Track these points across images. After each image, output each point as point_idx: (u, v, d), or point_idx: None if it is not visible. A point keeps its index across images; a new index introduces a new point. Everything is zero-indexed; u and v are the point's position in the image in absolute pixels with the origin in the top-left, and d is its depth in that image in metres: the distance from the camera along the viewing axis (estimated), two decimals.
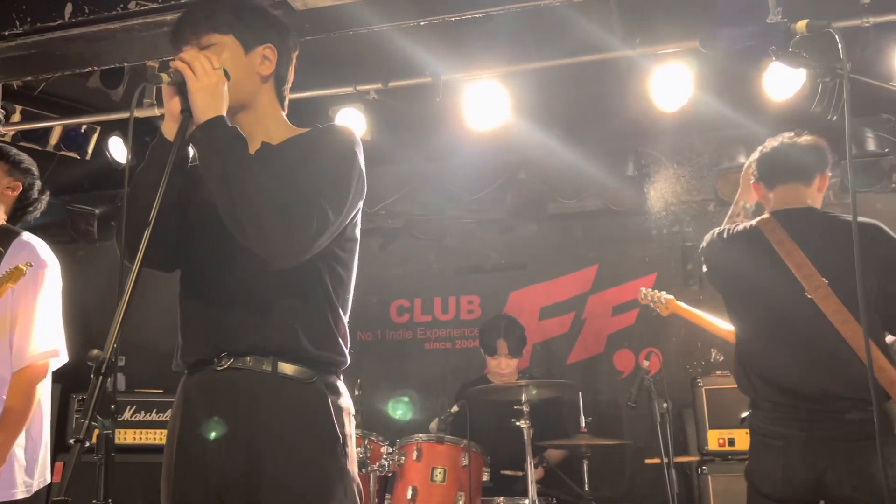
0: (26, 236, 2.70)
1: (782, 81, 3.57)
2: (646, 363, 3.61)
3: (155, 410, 4.82)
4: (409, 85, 3.74)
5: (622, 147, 4.66)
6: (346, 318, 1.87)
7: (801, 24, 1.79)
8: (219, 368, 1.76)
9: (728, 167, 4.43)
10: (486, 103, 3.91)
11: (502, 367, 4.31)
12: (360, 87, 3.79)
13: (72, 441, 1.33)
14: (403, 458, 3.52)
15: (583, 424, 3.81)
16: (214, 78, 1.71)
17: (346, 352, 1.85)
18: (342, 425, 1.78)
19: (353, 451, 1.81)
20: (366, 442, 3.50)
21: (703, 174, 4.67)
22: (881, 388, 2.34)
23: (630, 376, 4.74)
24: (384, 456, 3.52)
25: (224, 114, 1.71)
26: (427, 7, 2.74)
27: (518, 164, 4.74)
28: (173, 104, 1.72)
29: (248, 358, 1.75)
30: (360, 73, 3.84)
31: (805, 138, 2.74)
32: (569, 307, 5.05)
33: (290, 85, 1.99)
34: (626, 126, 4.50)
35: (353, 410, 1.87)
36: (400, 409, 4.76)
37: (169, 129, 1.74)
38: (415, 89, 3.81)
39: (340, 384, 1.84)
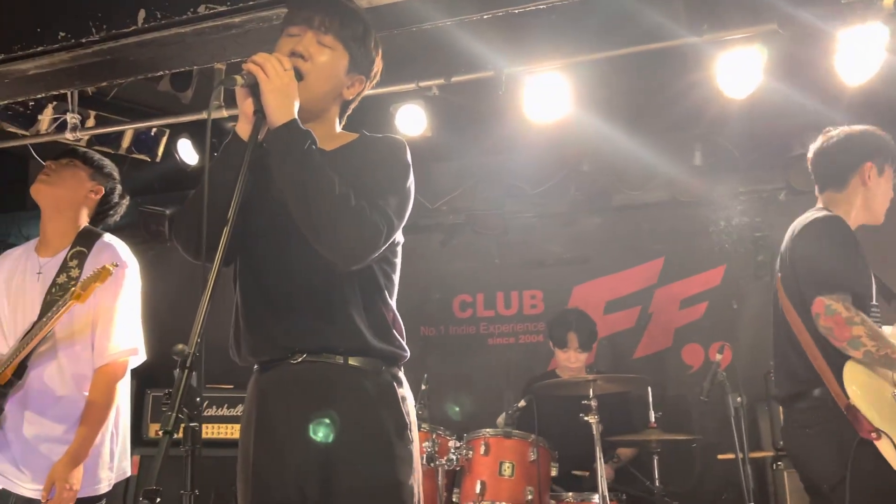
0: (107, 238, 2.79)
1: (856, 65, 3.44)
2: (718, 357, 3.53)
3: (226, 405, 4.93)
4: (471, 80, 3.73)
5: (688, 136, 4.56)
6: (397, 315, 1.93)
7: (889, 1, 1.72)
8: (293, 362, 1.80)
9: (800, 154, 4.29)
10: (547, 95, 3.87)
11: (572, 361, 4.27)
12: (422, 84, 3.80)
13: (160, 433, 1.37)
14: (471, 452, 3.51)
15: (652, 419, 3.75)
16: (286, 79, 1.72)
17: (405, 345, 1.91)
18: (408, 413, 1.85)
19: (417, 439, 1.87)
20: (433, 436, 3.51)
21: (773, 162, 4.54)
22: (817, 375, 2.50)
23: (699, 371, 4.65)
24: (452, 450, 3.52)
25: (296, 116, 1.73)
26: (489, 0, 2.73)
27: (581, 157, 4.68)
28: (247, 105, 1.75)
29: (322, 354, 1.80)
30: (422, 69, 3.84)
31: (835, 137, 2.72)
32: (635, 301, 4.98)
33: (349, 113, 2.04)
34: (692, 115, 4.41)
35: (413, 403, 1.93)
36: None
37: (243, 130, 1.77)
38: (476, 83, 3.80)
39: (403, 376, 1.91)
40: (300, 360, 1.80)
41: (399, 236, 1.92)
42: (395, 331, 1.88)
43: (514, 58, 3.71)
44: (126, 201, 3.04)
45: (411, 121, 4.15)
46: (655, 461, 3.69)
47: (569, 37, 3.72)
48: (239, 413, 4.90)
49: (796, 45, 3.61)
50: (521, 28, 3.75)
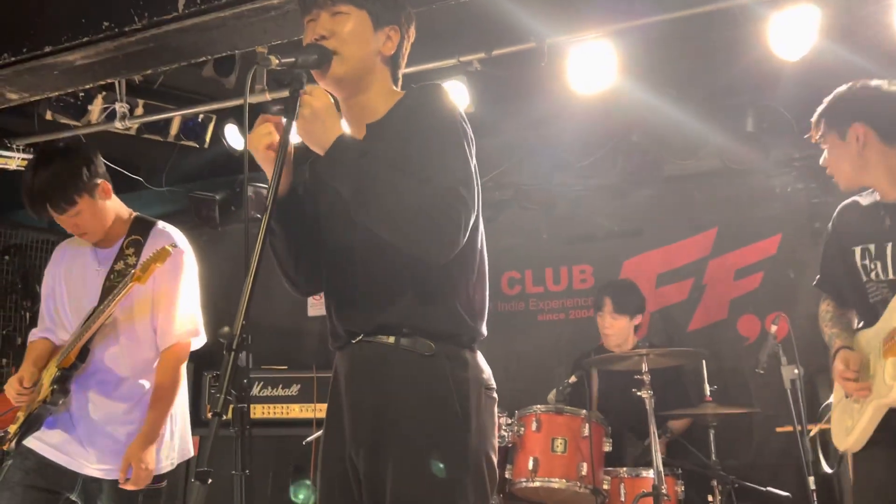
0: (161, 225, 2.83)
1: None
2: (773, 328, 3.44)
3: (281, 386, 5.01)
4: (512, 52, 3.67)
5: (740, 102, 4.41)
6: (478, 289, 1.87)
7: None
8: (353, 342, 1.84)
9: None
10: (592, 65, 3.79)
11: (606, 326, 4.21)
12: (462, 59, 3.76)
13: (209, 415, 1.38)
14: (523, 428, 3.50)
15: (707, 393, 3.68)
16: (321, 102, 1.70)
17: (474, 324, 1.85)
18: (464, 398, 1.77)
19: (480, 424, 1.78)
20: None
21: None
22: None
23: (756, 342, 4.54)
24: (503, 427, 3.52)
25: (341, 131, 1.71)
26: None
27: (629, 127, 4.58)
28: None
29: (378, 336, 1.81)
30: (462, 44, 3.80)
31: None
32: (687, 273, 4.86)
33: (402, 69, 1.99)
34: (744, 79, 4.27)
35: (487, 383, 1.86)
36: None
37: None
38: (518, 56, 3.74)
39: (470, 356, 1.83)
40: (357, 340, 1.84)
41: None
42: (461, 308, 1.81)
43: (556, 27, 3.64)
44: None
45: (453, 97, 4.10)
46: (711, 435, 3.63)
47: (613, 3, 3.63)
48: (293, 393, 4.99)
49: (853, 3, 3.47)
50: None
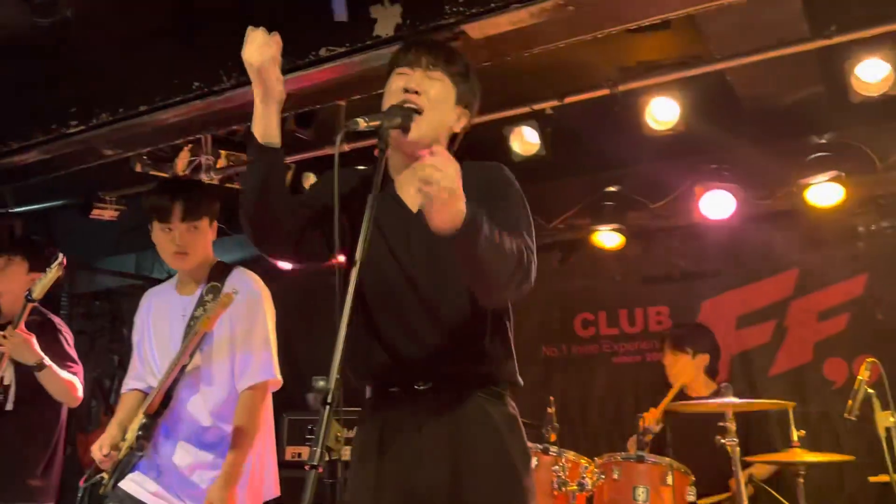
0: (238, 271, 2.89)
1: None
2: (866, 373, 3.32)
3: (356, 428, 5.04)
4: (585, 98, 3.70)
5: (819, 140, 4.33)
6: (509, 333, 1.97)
7: None
8: (418, 388, 1.87)
9: None
10: (665, 108, 3.81)
11: (668, 365, 4.19)
12: (535, 107, 3.81)
13: (306, 468, 1.43)
14: (603, 476, 3.44)
15: (795, 439, 3.56)
16: (452, 169, 1.61)
17: (514, 367, 1.96)
18: (523, 438, 1.92)
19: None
20: (562, 460, 3.46)
21: None
22: None
23: (844, 386, 4.37)
24: (582, 474, 3.46)
25: (463, 213, 1.63)
26: (600, 19, 2.71)
27: (703, 166, 4.54)
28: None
29: (449, 381, 1.86)
30: (535, 91, 3.85)
31: None
32: (769, 314, 4.74)
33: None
34: (822, 118, 4.20)
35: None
36: None
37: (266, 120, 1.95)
38: (591, 100, 3.77)
39: (510, 397, 1.95)
40: (426, 387, 1.86)
41: None
42: (513, 359, 1.95)
43: (627, 73, 3.66)
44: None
45: (525, 141, 4.16)
46: (801, 483, 3.49)
47: (685, 49, 3.64)
48: None
49: None
50: (632, 43, 3.70)
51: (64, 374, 3.36)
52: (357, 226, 1.74)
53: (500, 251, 1.70)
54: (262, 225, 1.93)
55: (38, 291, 3.16)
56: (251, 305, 2.74)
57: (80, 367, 3.52)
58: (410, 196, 1.96)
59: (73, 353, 3.57)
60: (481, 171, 1.95)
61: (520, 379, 1.96)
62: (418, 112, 1.87)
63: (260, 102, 1.94)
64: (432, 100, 1.90)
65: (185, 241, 2.78)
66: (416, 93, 1.89)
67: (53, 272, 3.14)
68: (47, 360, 3.27)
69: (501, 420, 1.87)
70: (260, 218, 1.92)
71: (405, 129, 1.87)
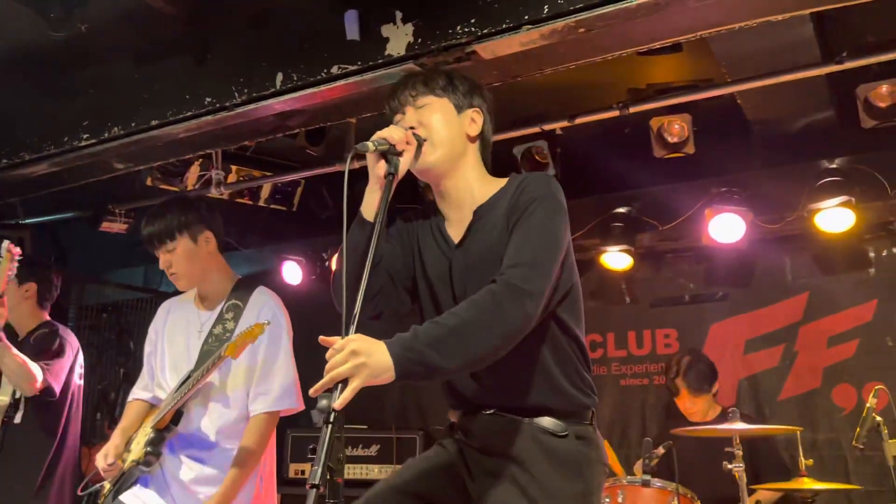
0: (260, 291, 2.85)
1: None
2: (874, 400, 3.29)
3: (361, 446, 5.03)
4: (595, 120, 3.70)
5: (829, 164, 4.31)
6: (585, 361, 1.94)
7: None
8: (486, 413, 1.90)
9: None
10: (674, 130, 3.81)
11: (689, 407, 4.20)
12: (546, 127, 3.81)
13: (307, 486, 1.42)
14: (608, 500, 3.41)
15: (802, 467, 3.51)
16: (343, 354, 1.60)
17: (590, 400, 1.93)
18: (591, 476, 1.85)
19: (597, 501, 1.85)
20: None
21: None
22: None
23: (853, 413, 4.33)
24: None
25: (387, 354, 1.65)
26: (611, 41, 2.71)
27: (713, 189, 4.52)
28: (379, 168, 1.85)
29: (510, 411, 1.88)
30: (546, 111, 3.86)
31: None
32: (778, 339, 4.69)
33: (490, 151, 2.07)
34: (825, 140, 4.20)
35: (604, 460, 1.93)
36: None
37: (371, 197, 1.88)
38: (601, 120, 3.77)
39: (593, 433, 1.91)
40: (490, 413, 1.89)
41: (569, 277, 1.90)
42: (576, 385, 1.89)
43: (638, 95, 3.66)
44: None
45: (535, 161, 4.16)
46: None
47: (696, 71, 3.64)
48: (372, 453, 5.00)
49: None
50: (643, 64, 3.70)
51: (26, 359, 3.36)
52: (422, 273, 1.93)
53: (465, 337, 1.65)
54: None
55: None
56: (274, 332, 2.72)
57: (53, 369, 3.51)
58: (451, 226, 1.99)
59: (60, 355, 3.59)
60: (519, 188, 1.92)
61: (587, 407, 1.90)
62: (422, 141, 1.90)
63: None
64: (431, 124, 1.93)
65: (169, 263, 2.79)
66: (413, 128, 1.92)
67: (5, 261, 3.19)
68: (4, 339, 3.27)
69: (560, 456, 1.82)
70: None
71: (417, 157, 1.90)
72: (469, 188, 1.97)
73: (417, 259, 2.01)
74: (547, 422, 1.84)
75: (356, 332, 1.60)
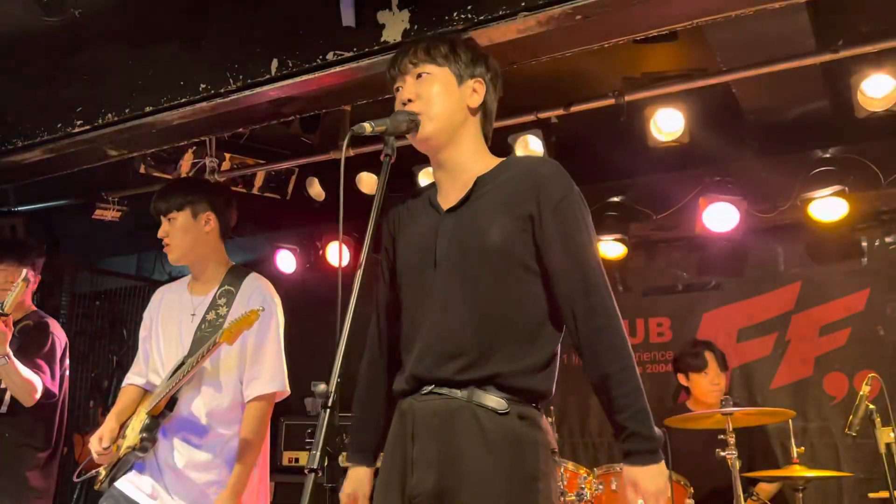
0: (252, 278, 2.88)
1: None
2: (866, 388, 3.31)
3: None
4: (591, 108, 3.70)
5: (822, 153, 4.33)
6: (554, 347, 1.90)
7: None
8: (422, 393, 1.85)
9: None
10: (670, 119, 3.81)
11: (715, 382, 4.15)
12: (541, 115, 3.81)
13: (306, 471, 1.42)
14: (601, 487, 3.43)
15: (794, 455, 3.54)
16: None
17: (549, 384, 1.88)
18: (536, 460, 1.79)
19: (549, 487, 1.79)
20: (561, 470, 3.44)
21: None
22: None
23: (844, 401, 4.36)
24: (581, 485, 3.45)
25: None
26: (608, 28, 2.71)
27: (707, 178, 4.54)
28: None
29: (445, 389, 1.82)
30: (541, 99, 3.86)
31: None
32: (770, 328, 4.72)
33: (493, 124, 2.05)
34: (826, 131, 4.21)
35: (553, 446, 1.88)
36: None
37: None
38: (596, 109, 3.77)
39: (541, 417, 1.86)
40: (426, 391, 1.84)
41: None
42: (536, 368, 1.85)
43: (633, 83, 3.66)
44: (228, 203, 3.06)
45: (530, 149, 4.15)
46: (800, 498, 3.48)
47: (691, 59, 3.64)
48: None
49: None
50: (639, 53, 3.70)
51: (27, 373, 3.37)
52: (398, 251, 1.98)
53: (632, 380, 1.85)
54: None
55: (9, 305, 3.21)
56: (264, 317, 2.70)
57: (48, 372, 3.52)
58: (444, 195, 1.97)
59: (53, 357, 3.59)
60: (538, 172, 1.91)
61: (544, 390, 1.86)
62: (419, 119, 1.89)
63: None
64: (429, 95, 1.90)
65: (166, 232, 2.84)
66: (411, 100, 1.90)
67: (20, 287, 3.22)
68: (11, 357, 3.27)
69: (499, 435, 1.77)
70: None
71: (413, 131, 1.89)
72: (468, 158, 1.94)
73: (392, 251, 2.04)
74: (487, 398, 1.80)
75: (349, 332, 1.58)
